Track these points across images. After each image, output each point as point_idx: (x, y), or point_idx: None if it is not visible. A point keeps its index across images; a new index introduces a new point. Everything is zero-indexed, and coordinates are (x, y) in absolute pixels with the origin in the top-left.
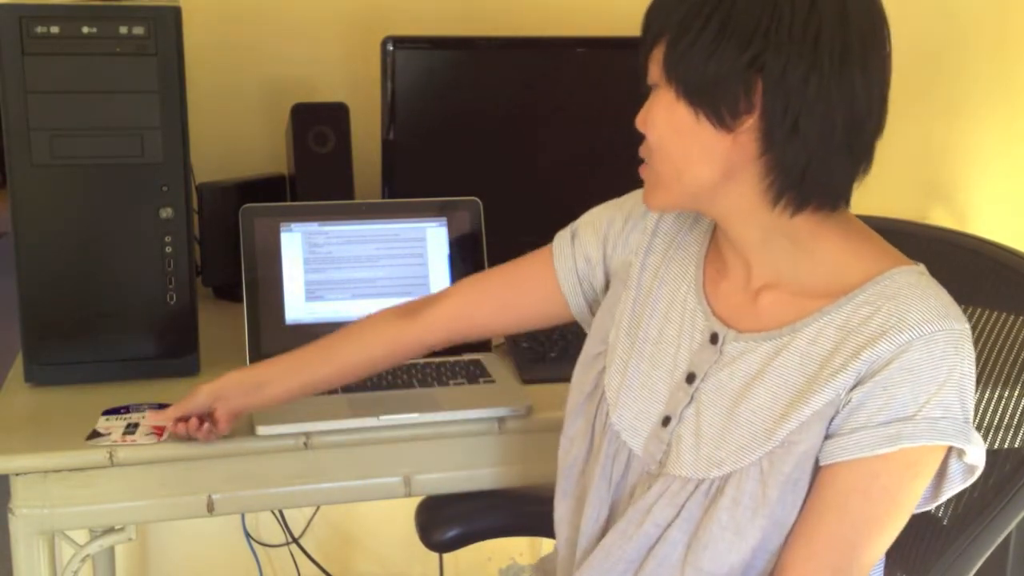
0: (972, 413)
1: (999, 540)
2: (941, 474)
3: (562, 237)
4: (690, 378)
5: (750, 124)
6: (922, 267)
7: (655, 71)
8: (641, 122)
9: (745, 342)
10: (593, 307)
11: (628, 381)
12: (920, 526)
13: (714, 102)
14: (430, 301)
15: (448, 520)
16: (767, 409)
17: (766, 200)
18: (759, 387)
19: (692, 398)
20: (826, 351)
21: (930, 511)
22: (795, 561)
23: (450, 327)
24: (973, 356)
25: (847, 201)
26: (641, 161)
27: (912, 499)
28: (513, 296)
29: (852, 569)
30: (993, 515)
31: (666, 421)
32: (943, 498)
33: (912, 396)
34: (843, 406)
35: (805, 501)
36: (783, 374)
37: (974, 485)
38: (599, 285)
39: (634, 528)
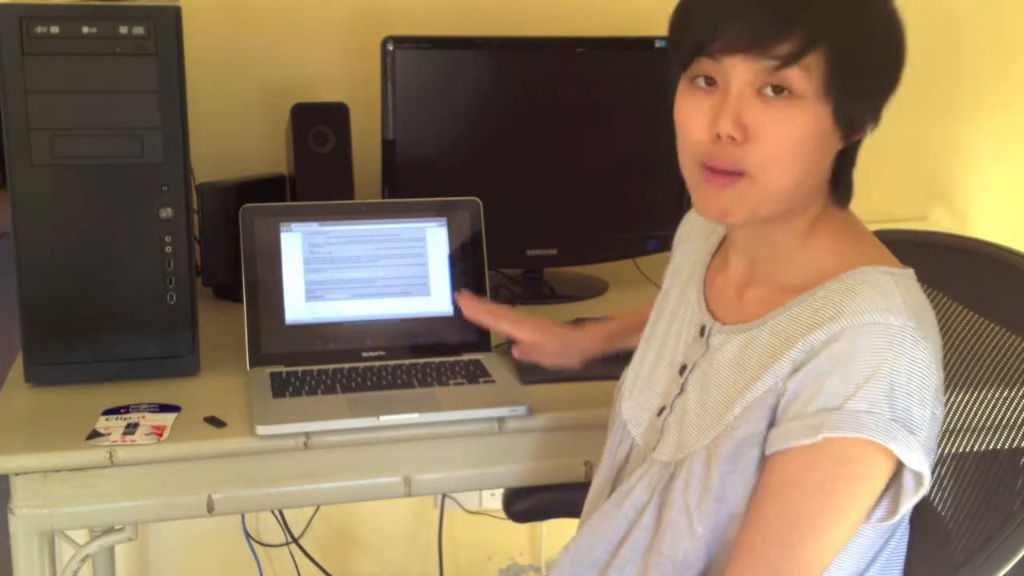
0: (911, 412)
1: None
2: (897, 486)
3: None
4: (682, 369)
5: (861, 136)
6: (903, 270)
7: (802, 80)
8: (759, 132)
9: (725, 334)
10: None
11: (640, 374)
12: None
13: (857, 122)
14: None
15: (529, 493)
16: (725, 395)
17: (822, 195)
18: (725, 376)
19: (682, 388)
20: (781, 341)
21: (946, 534)
22: (736, 552)
23: None
24: (917, 357)
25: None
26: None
27: (851, 501)
28: None
29: (787, 567)
30: (1001, 541)
31: (661, 411)
32: (902, 510)
33: (840, 387)
34: (782, 395)
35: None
36: (744, 364)
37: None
38: None
39: (616, 509)
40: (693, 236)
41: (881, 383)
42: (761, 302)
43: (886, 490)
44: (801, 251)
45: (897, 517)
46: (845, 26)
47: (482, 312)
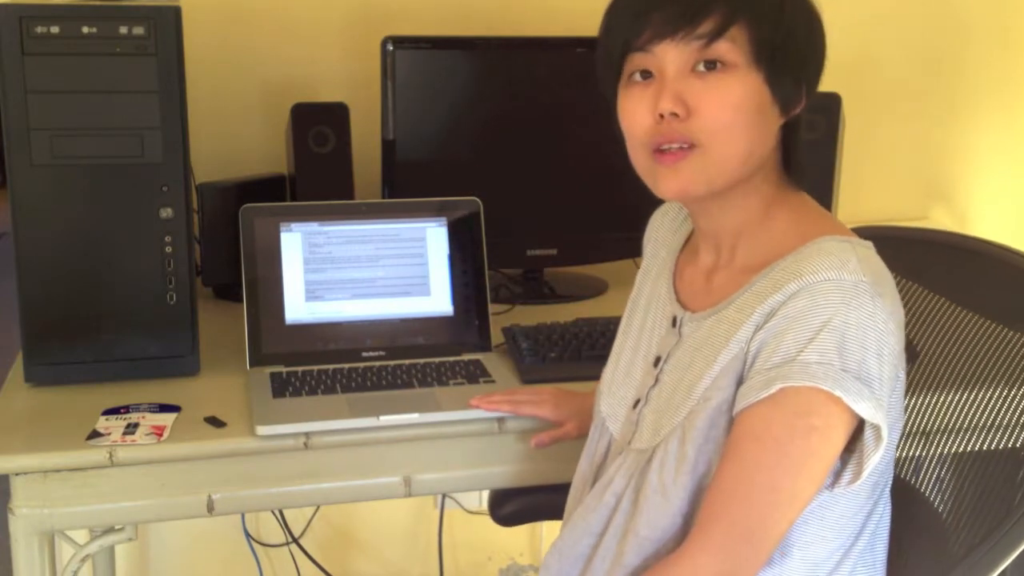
0: (866, 365)
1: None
2: (860, 446)
3: None
4: (656, 361)
5: (797, 111)
6: (860, 240)
7: (730, 51)
8: (700, 105)
9: (696, 321)
10: None
11: (616, 372)
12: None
13: (790, 93)
14: None
15: (516, 495)
16: (696, 373)
17: (775, 173)
18: (697, 356)
19: (656, 379)
20: (743, 315)
21: (944, 531)
22: (701, 509)
23: None
24: (872, 312)
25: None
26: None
27: (808, 452)
28: None
29: (748, 520)
30: (998, 539)
31: (636, 403)
32: (867, 468)
33: (794, 341)
34: (747, 357)
35: None
36: (712, 342)
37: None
38: None
39: (596, 501)
40: (660, 234)
41: (832, 335)
42: (727, 284)
43: (851, 453)
44: (761, 232)
45: (863, 477)
46: (761, 5)
47: (501, 403)
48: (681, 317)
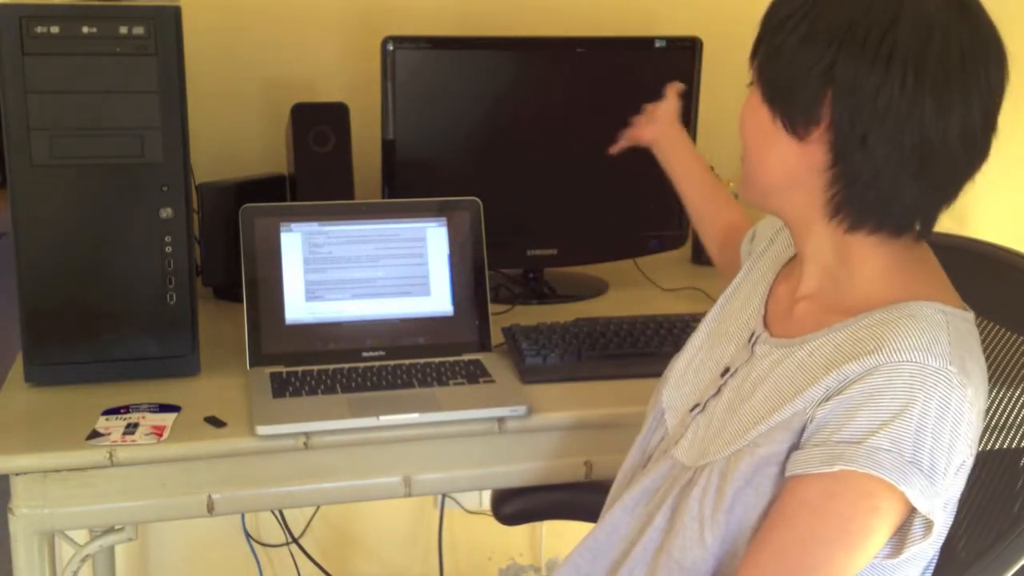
0: (935, 458)
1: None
2: (906, 528)
3: (747, 234)
4: (725, 372)
5: (818, 135)
6: (960, 311)
7: (752, 70)
8: (740, 118)
9: (769, 345)
10: None
11: (688, 366)
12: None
13: (789, 108)
14: (734, 239)
15: (518, 494)
16: (754, 411)
17: (825, 212)
18: (758, 390)
19: (719, 390)
20: (817, 365)
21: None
22: (744, 567)
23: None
24: (951, 402)
25: (921, 230)
26: None
27: (866, 535)
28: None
29: None
30: (1007, 544)
31: (694, 407)
32: (905, 553)
33: (866, 422)
34: (810, 421)
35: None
36: (777, 381)
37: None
38: None
39: (633, 503)
40: (774, 245)
41: (907, 424)
42: (808, 318)
43: (895, 530)
44: (844, 272)
45: (900, 558)
46: (777, 21)
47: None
48: (757, 335)
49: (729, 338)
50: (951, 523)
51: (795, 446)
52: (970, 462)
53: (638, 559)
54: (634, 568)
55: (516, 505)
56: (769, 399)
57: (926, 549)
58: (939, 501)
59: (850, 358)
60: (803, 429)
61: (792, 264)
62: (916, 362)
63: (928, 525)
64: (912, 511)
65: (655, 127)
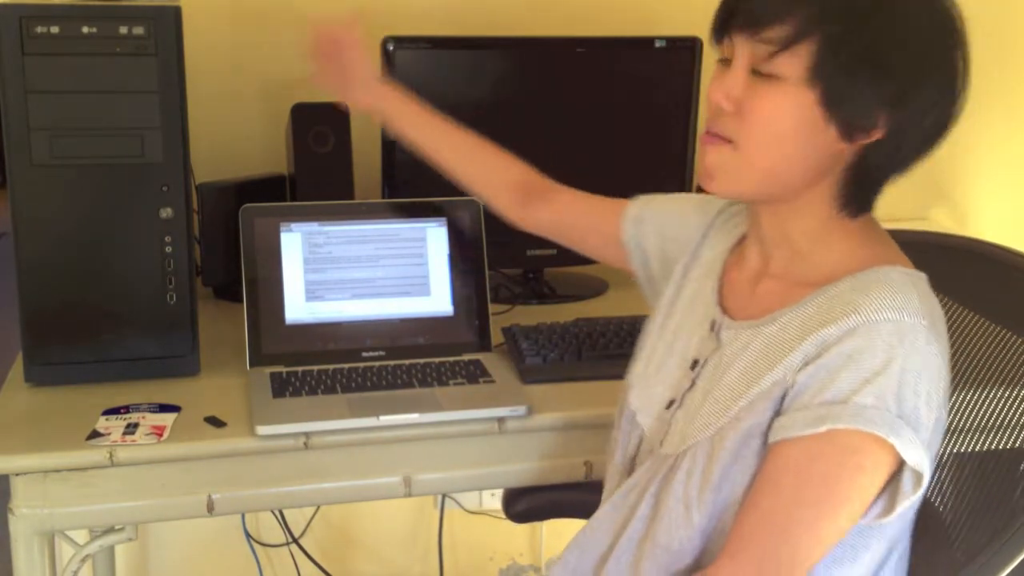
0: (918, 411)
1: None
2: (896, 485)
3: (627, 217)
4: (694, 364)
5: (870, 141)
6: (919, 273)
7: (789, 65)
8: (746, 107)
9: (735, 329)
10: (651, 279)
11: (649, 368)
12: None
13: (854, 117)
14: (545, 197)
15: (529, 493)
16: (731, 389)
17: (836, 202)
18: (732, 369)
19: (693, 383)
20: (791, 336)
21: (947, 536)
22: (731, 536)
23: (541, 230)
24: (927, 354)
25: None
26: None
27: (852, 494)
28: (594, 235)
29: (782, 552)
30: (1003, 542)
31: (670, 404)
32: (898, 509)
33: (848, 381)
34: (790, 388)
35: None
36: (751, 358)
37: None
38: (656, 268)
39: (620, 499)
40: (711, 232)
41: (890, 379)
42: (773, 296)
43: (883, 488)
44: (818, 248)
45: (891, 516)
46: (841, 12)
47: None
48: (720, 322)
49: (687, 332)
50: (927, 488)
51: (778, 415)
52: (944, 418)
53: (624, 548)
54: (620, 557)
55: (527, 503)
56: (746, 375)
57: (893, 521)
58: (927, 459)
59: (827, 323)
60: (783, 397)
61: (739, 250)
62: (893, 320)
63: (917, 478)
64: (898, 468)
65: (367, 93)
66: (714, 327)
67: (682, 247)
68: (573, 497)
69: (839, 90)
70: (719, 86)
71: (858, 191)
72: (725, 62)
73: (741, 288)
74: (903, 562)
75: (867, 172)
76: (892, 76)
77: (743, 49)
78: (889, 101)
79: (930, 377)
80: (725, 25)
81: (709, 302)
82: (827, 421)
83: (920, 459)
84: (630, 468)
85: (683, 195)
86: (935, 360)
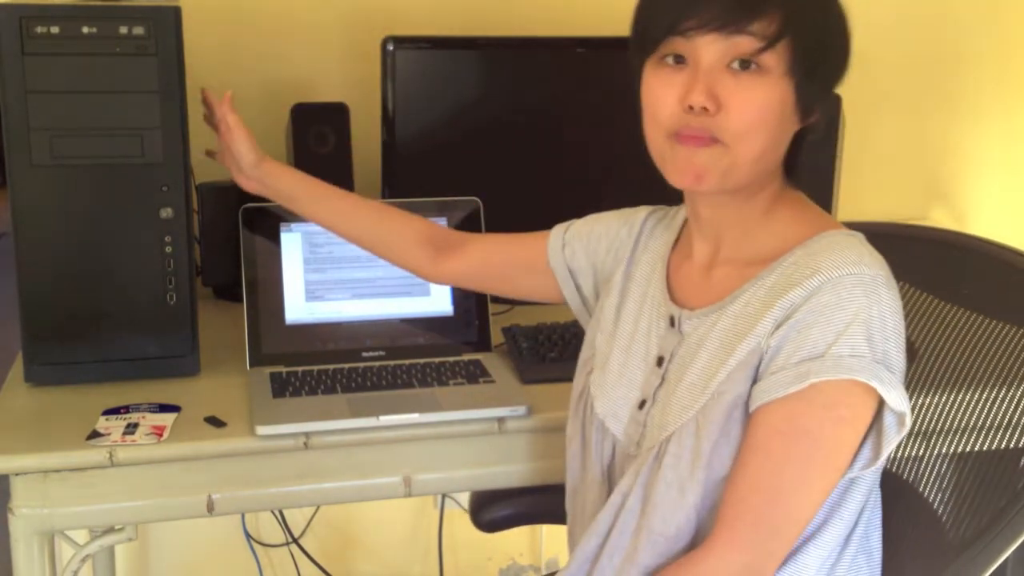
0: (889, 355)
1: (998, 562)
2: (879, 430)
3: (552, 244)
4: (659, 361)
5: (813, 119)
6: (856, 232)
7: (771, 57)
8: (732, 102)
9: (697, 318)
10: (585, 302)
11: (609, 374)
12: (923, 540)
13: (814, 103)
14: (456, 248)
15: (496, 500)
16: (705, 370)
17: (782, 175)
18: (702, 352)
19: (662, 379)
20: (756, 309)
21: (939, 523)
22: (723, 504)
23: (461, 281)
24: (889, 300)
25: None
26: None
27: (837, 444)
28: (519, 271)
29: (776, 514)
30: (996, 533)
31: (642, 404)
32: (884, 453)
33: (821, 336)
34: (765, 353)
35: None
36: (720, 337)
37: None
38: (588, 289)
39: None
40: (643, 238)
41: (860, 328)
42: (730, 279)
43: (867, 436)
44: (765, 226)
45: (880, 460)
46: (810, 16)
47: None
48: (679, 315)
49: (644, 334)
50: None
51: (755, 382)
52: (906, 367)
53: (615, 545)
54: (613, 553)
55: (495, 511)
56: (719, 352)
57: (869, 474)
58: (906, 400)
59: (790, 287)
60: (759, 363)
61: (680, 247)
62: (855, 274)
63: (900, 419)
64: (878, 412)
65: (248, 180)
66: (674, 322)
67: (616, 259)
68: (543, 502)
69: (809, 83)
70: (696, 87)
71: (795, 160)
72: (678, 60)
73: (693, 280)
74: (877, 509)
75: (802, 143)
76: (841, 64)
77: (712, 48)
78: (833, 85)
79: (895, 323)
80: (680, 24)
81: (661, 301)
82: (809, 376)
83: (900, 399)
84: (609, 477)
85: (601, 214)
86: (895, 304)
